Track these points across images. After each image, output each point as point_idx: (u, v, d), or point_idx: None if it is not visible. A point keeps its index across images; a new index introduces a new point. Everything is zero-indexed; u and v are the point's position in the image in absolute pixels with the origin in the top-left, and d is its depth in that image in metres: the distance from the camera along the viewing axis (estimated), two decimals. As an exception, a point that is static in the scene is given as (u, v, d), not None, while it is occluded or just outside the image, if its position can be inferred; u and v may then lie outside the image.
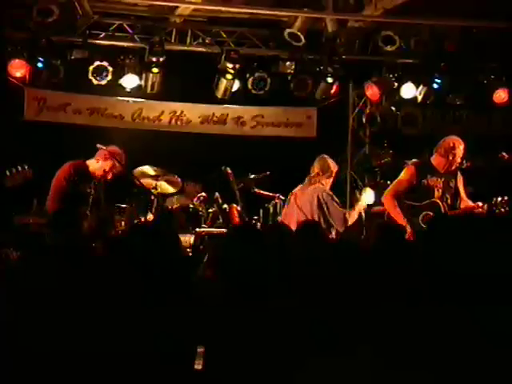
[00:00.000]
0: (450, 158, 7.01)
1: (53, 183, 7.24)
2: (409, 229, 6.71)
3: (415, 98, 9.89)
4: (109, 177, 7.24)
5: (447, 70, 9.69)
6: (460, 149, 7.07)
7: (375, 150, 10.71)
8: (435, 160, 7.09)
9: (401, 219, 6.86)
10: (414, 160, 9.40)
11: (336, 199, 7.26)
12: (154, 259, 2.86)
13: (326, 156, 7.45)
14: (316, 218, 6.98)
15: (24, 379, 2.51)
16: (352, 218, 7.21)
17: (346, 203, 10.59)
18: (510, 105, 9.76)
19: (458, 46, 9.61)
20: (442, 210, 6.90)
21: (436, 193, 7.00)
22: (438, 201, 6.98)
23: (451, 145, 7.06)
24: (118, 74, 9.23)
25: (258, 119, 10.20)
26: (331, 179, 7.39)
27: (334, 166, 7.40)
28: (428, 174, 7.03)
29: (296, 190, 7.47)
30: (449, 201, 7.02)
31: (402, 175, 7.21)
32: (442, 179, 7.04)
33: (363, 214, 7.37)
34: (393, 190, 7.15)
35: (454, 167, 7.06)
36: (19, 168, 6.39)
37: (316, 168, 7.34)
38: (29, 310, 2.71)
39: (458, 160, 7.08)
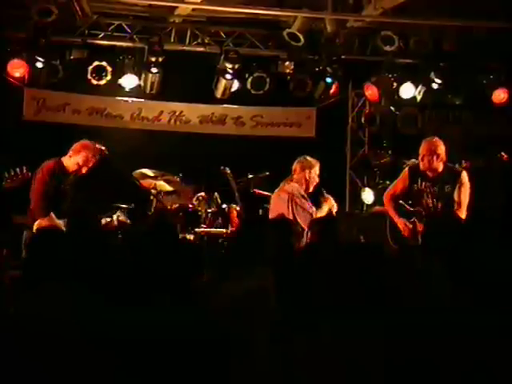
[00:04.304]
0: (435, 158, 6.67)
1: (34, 186, 7.03)
2: (405, 229, 6.70)
3: (414, 97, 9.87)
4: (83, 171, 7.12)
5: (446, 69, 9.68)
6: (441, 148, 6.72)
7: (374, 150, 10.72)
8: (421, 164, 6.78)
9: (397, 219, 6.83)
10: (412, 160, 9.39)
11: (304, 198, 7.07)
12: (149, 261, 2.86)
13: (302, 158, 7.27)
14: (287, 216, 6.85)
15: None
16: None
17: (345, 203, 10.65)
18: (510, 105, 9.75)
19: (457, 46, 9.61)
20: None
21: (425, 198, 6.76)
22: (422, 210, 6.83)
23: (432, 148, 6.70)
24: (117, 74, 9.21)
25: (258, 119, 10.20)
26: (307, 174, 7.18)
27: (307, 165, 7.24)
28: (419, 179, 6.78)
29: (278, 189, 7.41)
30: (439, 208, 6.79)
31: (399, 177, 7.13)
32: (436, 185, 6.72)
33: (333, 211, 7.23)
34: (391, 191, 7.09)
35: (441, 168, 6.71)
36: (18, 170, 6.39)
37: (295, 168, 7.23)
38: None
39: (441, 163, 6.71)
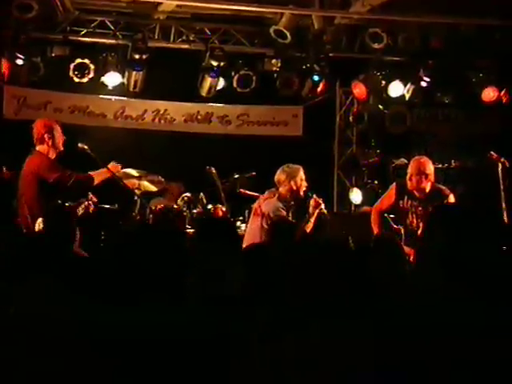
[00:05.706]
0: (423, 178, 6.52)
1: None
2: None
3: (403, 96, 9.81)
4: (60, 149, 6.77)
5: (435, 67, 9.61)
6: (429, 168, 6.60)
7: (362, 149, 10.65)
8: (408, 184, 6.64)
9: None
10: (401, 159, 9.28)
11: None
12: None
13: (286, 168, 6.98)
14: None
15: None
16: (308, 228, 6.94)
17: (333, 203, 10.55)
18: (499, 103, 9.68)
19: (445, 43, 9.55)
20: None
21: (409, 216, 6.64)
22: (402, 230, 6.74)
23: (420, 168, 6.56)
24: (100, 71, 9.11)
25: (244, 118, 10.12)
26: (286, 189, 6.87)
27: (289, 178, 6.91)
28: (406, 196, 6.65)
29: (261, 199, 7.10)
30: (420, 228, 6.64)
31: (386, 192, 7.01)
32: (421, 205, 6.58)
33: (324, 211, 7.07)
34: (378, 206, 6.95)
35: (428, 189, 6.57)
36: None
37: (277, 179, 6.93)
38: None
39: (429, 183, 6.57)
